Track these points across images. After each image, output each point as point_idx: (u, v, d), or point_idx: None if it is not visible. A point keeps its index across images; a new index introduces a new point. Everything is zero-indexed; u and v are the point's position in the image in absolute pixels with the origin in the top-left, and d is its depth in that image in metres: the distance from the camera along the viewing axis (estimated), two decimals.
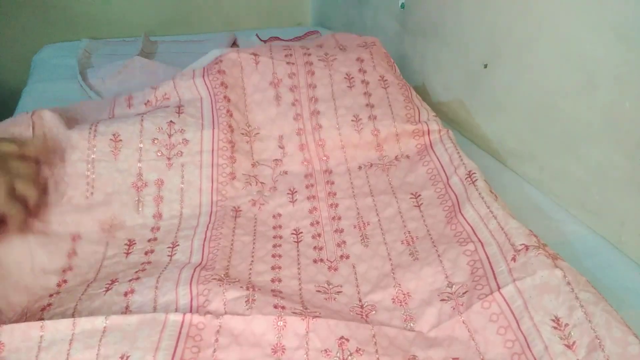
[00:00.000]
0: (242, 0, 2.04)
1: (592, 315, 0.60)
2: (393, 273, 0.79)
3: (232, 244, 0.84)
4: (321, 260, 0.84)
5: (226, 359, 0.63)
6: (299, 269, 0.82)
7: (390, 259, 0.82)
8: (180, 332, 0.64)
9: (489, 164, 1.09)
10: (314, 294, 0.76)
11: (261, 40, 1.71)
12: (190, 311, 0.67)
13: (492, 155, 1.13)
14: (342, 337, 0.65)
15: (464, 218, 0.82)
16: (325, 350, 0.64)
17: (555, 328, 0.60)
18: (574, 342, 0.59)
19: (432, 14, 1.30)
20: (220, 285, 0.71)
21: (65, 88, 1.36)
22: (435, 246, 0.81)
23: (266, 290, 0.74)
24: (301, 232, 0.90)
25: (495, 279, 0.69)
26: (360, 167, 1.02)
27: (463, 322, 0.68)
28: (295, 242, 0.88)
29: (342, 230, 0.90)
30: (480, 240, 0.76)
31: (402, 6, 1.43)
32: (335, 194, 0.97)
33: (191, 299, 0.70)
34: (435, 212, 0.88)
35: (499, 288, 0.67)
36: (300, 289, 0.77)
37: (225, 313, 0.67)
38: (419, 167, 0.98)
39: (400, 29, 1.47)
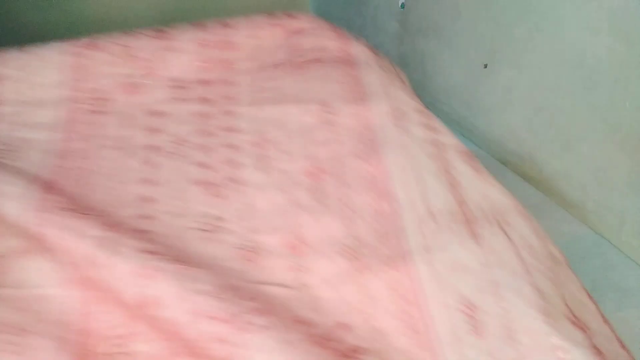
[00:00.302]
0: (242, 0, 2.04)
1: (502, 299, 0.56)
2: (291, 213, 0.69)
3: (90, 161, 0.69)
4: (206, 182, 0.70)
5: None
6: (175, 198, 0.68)
7: (290, 195, 0.71)
8: None
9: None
10: (192, 232, 0.65)
11: None
12: None
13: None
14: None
15: (381, 158, 0.73)
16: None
17: (465, 312, 0.56)
18: (482, 331, 0.55)
19: (432, 14, 1.30)
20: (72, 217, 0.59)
21: None
22: (343, 189, 0.71)
23: (128, 230, 0.61)
24: (186, 142, 0.74)
25: (406, 242, 0.63)
26: (275, 65, 0.86)
27: (360, 285, 0.61)
28: (174, 154, 0.72)
29: (236, 148, 0.76)
30: (396, 198, 0.69)
31: (402, 6, 1.43)
32: (234, 98, 0.81)
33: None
34: (350, 137, 0.77)
35: (409, 257, 0.62)
36: (174, 226, 0.64)
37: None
38: (341, 68, 0.84)
39: (400, 29, 1.47)
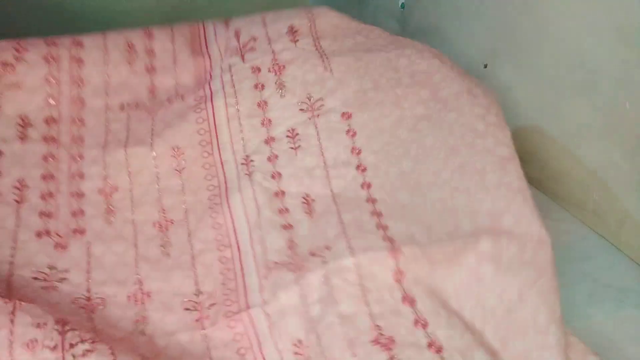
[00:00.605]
0: (242, 1, 2.04)
1: (321, 336, 0.62)
2: (137, 266, 0.71)
3: None
4: (47, 232, 0.70)
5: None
6: (13, 247, 0.67)
7: (135, 246, 0.73)
8: None
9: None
10: (29, 282, 0.64)
11: None
12: None
13: None
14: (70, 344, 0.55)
15: (230, 209, 0.76)
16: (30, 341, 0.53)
17: (297, 353, 0.62)
18: None
19: (432, 14, 1.30)
20: None
21: None
22: (190, 242, 0.74)
23: None
24: (26, 186, 0.74)
25: (245, 295, 0.68)
26: (122, 107, 0.87)
27: (204, 337, 0.65)
28: (16, 201, 0.72)
29: (82, 195, 0.76)
30: (238, 247, 0.73)
31: (402, 6, 1.43)
32: (83, 139, 0.81)
33: None
34: (199, 187, 0.80)
35: (248, 307, 0.67)
36: (10, 275, 0.63)
37: None
38: (190, 115, 0.85)
39: (400, 29, 1.47)
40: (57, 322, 0.55)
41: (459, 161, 0.74)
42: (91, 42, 0.91)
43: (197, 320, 0.67)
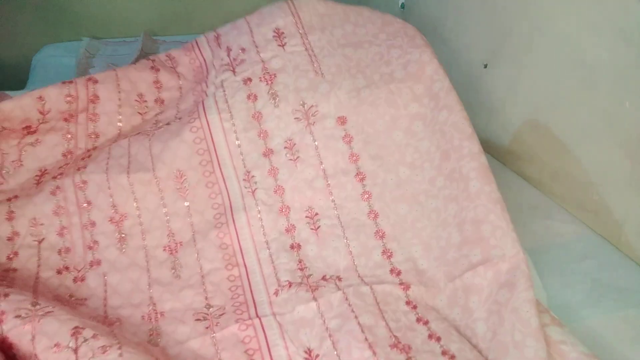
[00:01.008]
0: (242, 0, 2.04)
1: (337, 342, 0.66)
2: (150, 289, 0.75)
3: None
4: (66, 268, 0.75)
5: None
6: (35, 284, 0.71)
7: (148, 271, 0.76)
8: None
9: (489, 164, 1.08)
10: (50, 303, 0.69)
11: None
12: None
13: (492, 155, 1.13)
14: (76, 327, 0.61)
15: (235, 229, 0.79)
16: (56, 345, 0.60)
17: (306, 359, 0.66)
18: None
19: (432, 14, 1.30)
20: None
21: None
22: (199, 262, 0.77)
23: None
24: (42, 224, 0.77)
25: (255, 308, 0.72)
26: (125, 135, 0.88)
27: (213, 340, 0.69)
28: (36, 242, 0.76)
29: (94, 224, 0.78)
30: (245, 266, 0.76)
31: (402, 6, 1.43)
32: (85, 165, 0.82)
33: None
34: (204, 207, 0.82)
35: (258, 316, 0.71)
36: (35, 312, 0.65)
37: None
38: (187, 135, 0.84)
39: None
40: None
41: (450, 167, 0.76)
42: (105, 95, 0.90)
43: (207, 328, 0.70)
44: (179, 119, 0.88)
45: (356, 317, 0.67)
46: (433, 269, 0.73)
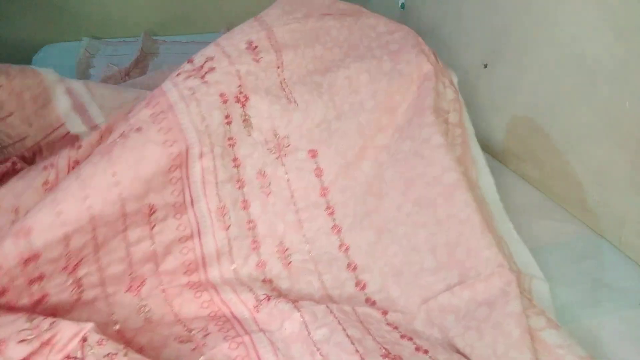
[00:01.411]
0: (242, 0, 2.04)
1: (327, 356, 0.64)
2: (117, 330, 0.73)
3: None
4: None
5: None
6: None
7: (126, 321, 0.74)
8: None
9: (489, 164, 1.09)
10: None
11: None
12: None
13: (492, 156, 1.13)
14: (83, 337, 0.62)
15: (206, 274, 0.77)
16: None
17: None
18: None
19: (432, 14, 1.30)
20: None
21: None
22: (171, 307, 0.75)
23: None
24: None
25: (240, 324, 0.71)
26: None
27: None
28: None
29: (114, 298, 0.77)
30: (218, 292, 0.75)
31: (402, 6, 1.43)
32: None
33: None
34: (172, 249, 0.77)
35: (247, 333, 0.69)
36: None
37: None
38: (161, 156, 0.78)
39: None
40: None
41: (416, 194, 0.76)
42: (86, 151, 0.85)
43: (194, 350, 0.68)
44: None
45: (344, 329, 0.66)
46: (405, 295, 0.73)
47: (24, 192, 0.79)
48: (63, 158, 0.83)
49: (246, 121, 0.81)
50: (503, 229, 0.79)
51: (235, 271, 0.77)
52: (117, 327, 0.70)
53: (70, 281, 0.69)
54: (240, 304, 0.73)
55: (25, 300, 0.66)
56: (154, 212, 0.75)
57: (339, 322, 0.67)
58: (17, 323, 0.59)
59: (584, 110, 0.87)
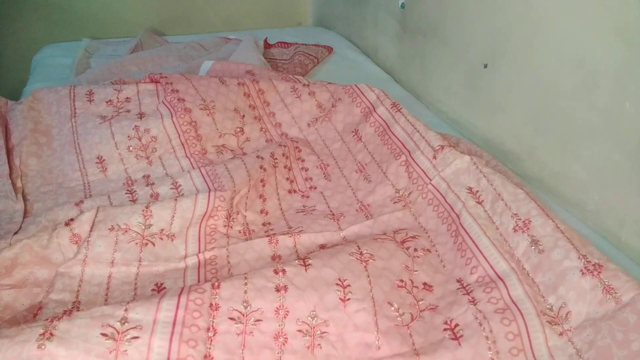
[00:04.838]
0: (242, 0, 2.04)
1: (492, 181, 0.84)
2: (355, 195, 0.98)
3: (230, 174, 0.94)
4: (294, 191, 1.01)
5: (239, 272, 0.77)
6: (279, 199, 0.98)
7: (350, 186, 1.00)
8: (199, 267, 0.79)
9: (489, 164, 1.08)
10: (294, 214, 0.93)
11: (269, 45, 1.71)
12: (199, 249, 0.82)
13: (492, 155, 1.13)
14: (320, 245, 0.83)
15: (394, 135, 1.02)
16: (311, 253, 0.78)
17: (469, 193, 0.85)
18: (482, 200, 0.84)
19: (432, 14, 1.30)
20: (224, 226, 0.86)
21: None
22: (379, 166, 1.00)
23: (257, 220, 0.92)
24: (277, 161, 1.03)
25: (426, 175, 0.92)
26: (308, 124, 1.18)
27: (411, 211, 0.90)
28: (273, 166, 1.01)
29: (307, 169, 1.06)
30: (407, 150, 0.97)
31: (402, 6, 1.43)
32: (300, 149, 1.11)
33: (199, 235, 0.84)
34: (373, 139, 1.06)
35: (430, 180, 0.91)
36: (282, 214, 0.94)
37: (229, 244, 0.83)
38: (353, 107, 1.14)
39: (400, 29, 1.47)
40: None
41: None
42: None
43: (404, 206, 0.92)
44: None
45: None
46: None
47: None
48: None
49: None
50: None
51: None
52: None
53: None
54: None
55: None
56: None
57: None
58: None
59: (584, 110, 0.87)
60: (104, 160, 1.01)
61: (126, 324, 0.62)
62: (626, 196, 0.82)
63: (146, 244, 0.81)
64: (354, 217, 0.91)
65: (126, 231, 0.81)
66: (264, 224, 0.91)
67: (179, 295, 0.65)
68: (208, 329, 0.64)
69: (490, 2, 1.07)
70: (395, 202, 0.92)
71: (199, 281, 0.76)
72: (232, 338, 0.64)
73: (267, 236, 0.84)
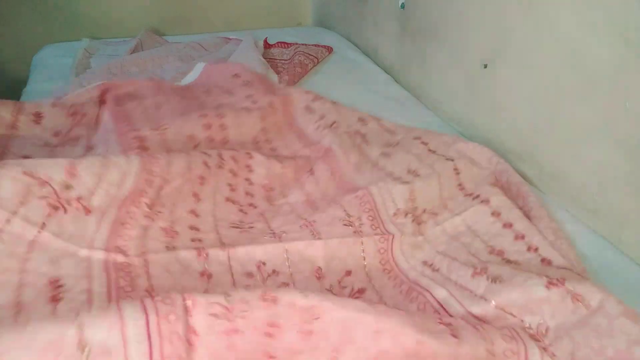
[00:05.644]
0: (242, 0, 2.04)
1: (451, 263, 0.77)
2: (300, 216, 0.87)
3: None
4: (232, 201, 0.90)
5: (161, 285, 0.66)
6: (214, 205, 0.87)
7: (294, 212, 0.89)
8: (107, 267, 0.67)
9: None
10: (228, 229, 0.83)
11: (269, 45, 1.71)
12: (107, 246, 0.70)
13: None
14: (259, 261, 0.74)
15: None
16: (248, 274, 0.72)
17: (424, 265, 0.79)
18: (438, 268, 0.77)
19: (432, 14, 1.30)
20: (145, 216, 0.76)
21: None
22: (331, 199, 0.90)
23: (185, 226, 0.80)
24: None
25: (382, 223, 0.84)
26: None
27: (361, 243, 0.80)
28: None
29: (252, 183, 0.96)
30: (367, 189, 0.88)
31: (402, 6, 1.43)
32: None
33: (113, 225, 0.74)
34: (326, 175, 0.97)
35: (386, 231, 0.83)
36: (215, 224, 0.83)
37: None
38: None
39: (400, 29, 1.47)
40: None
41: None
42: None
43: (354, 232, 0.81)
44: None
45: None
46: None
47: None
48: None
49: None
50: None
51: None
52: None
53: None
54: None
55: None
56: None
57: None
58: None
59: (584, 110, 0.87)
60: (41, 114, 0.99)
61: (87, 348, 0.47)
62: (626, 196, 0.82)
63: (57, 208, 0.70)
64: (298, 233, 0.80)
65: (44, 183, 0.70)
66: (191, 228, 0.80)
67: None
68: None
69: (490, 2, 1.07)
70: (345, 225, 0.82)
71: (108, 286, 0.64)
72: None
73: (195, 248, 0.74)
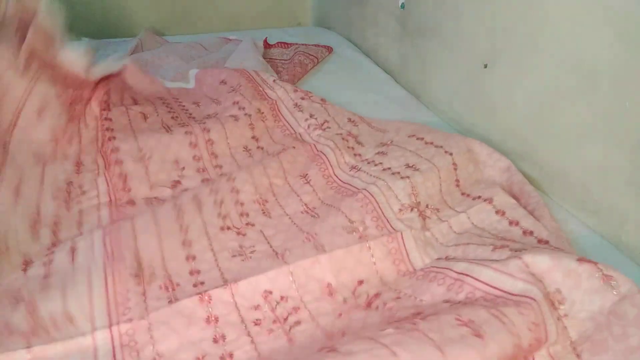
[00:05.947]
0: (242, 0, 2.04)
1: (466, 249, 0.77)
2: (301, 230, 0.85)
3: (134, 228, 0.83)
4: (228, 227, 0.88)
5: (168, 349, 0.65)
6: (209, 240, 0.85)
7: (294, 224, 0.88)
8: (113, 347, 0.65)
9: None
10: (230, 260, 0.81)
11: (269, 45, 1.71)
12: (110, 321, 0.68)
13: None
14: (265, 291, 0.73)
15: (347, 183, 0.94)
16: (255, 307, 0.71)
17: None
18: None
19: (432, 14, 1.30)
20: (138, 284, 0.74)
21: None
22: (330, 205, 0.89)
23: (183, 272, 0.78)
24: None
25: (388, 222, 0.83)
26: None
27: (369, 248, 0.78)
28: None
29: (243, 203, 0.93)
30: (368, 191, 0.88)
31: (402, 6, 1.43)
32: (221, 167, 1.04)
33: (108, 304, 0.70)
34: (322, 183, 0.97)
35: (394, 229, 0.82)
36: (215, 259, 0.81)
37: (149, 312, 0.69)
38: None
39: (400, 29, 1.47)
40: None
41: None
42: None
43: (360, 237, 0.80)
44: None
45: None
46: None
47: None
48: None
49: None
50: None
51: None
52: None
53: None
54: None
55: None
56: None
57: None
58: None
59: (584, 110, 0.87)
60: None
61: None
62: (626, 196, 0.82)
63: (35, 330, 0.66)
64: (301, 249, 0.79)
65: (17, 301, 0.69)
66: (191, 273, 0.78)
67: None
68: None
69: (490, 2, 1.07)
70: (348, 233, 0.80)
71: None
72: None
73: (197, 294, 0.71)
